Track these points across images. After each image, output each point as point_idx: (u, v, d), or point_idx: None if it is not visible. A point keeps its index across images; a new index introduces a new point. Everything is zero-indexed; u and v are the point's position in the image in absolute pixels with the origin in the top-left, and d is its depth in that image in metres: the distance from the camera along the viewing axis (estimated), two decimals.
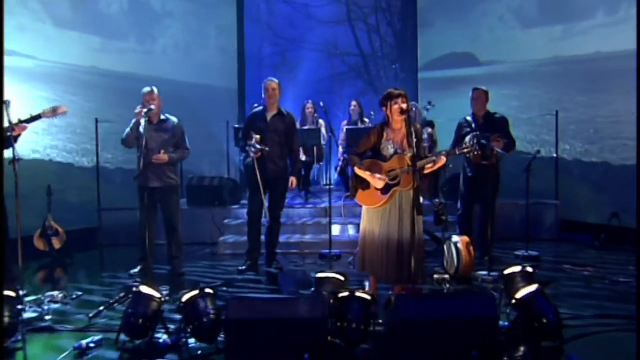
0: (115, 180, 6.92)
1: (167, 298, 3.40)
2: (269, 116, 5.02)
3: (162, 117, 4.90)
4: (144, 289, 3.28)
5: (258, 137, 4.85)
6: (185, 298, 3.21)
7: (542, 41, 6.97)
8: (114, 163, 6.96)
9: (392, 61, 10.02)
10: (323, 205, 6.59)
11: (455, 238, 4.61)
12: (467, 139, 4.74)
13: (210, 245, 6.21)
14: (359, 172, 3.82)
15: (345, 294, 3.14)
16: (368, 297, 3.14)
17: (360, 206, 3.95)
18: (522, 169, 5.34)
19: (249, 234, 5.13)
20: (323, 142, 7.13)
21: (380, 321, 3.20)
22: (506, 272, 3.66)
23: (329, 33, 10.16)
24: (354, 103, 7.31)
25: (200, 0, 8.49)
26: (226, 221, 6.34)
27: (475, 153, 3.84)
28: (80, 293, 4.39)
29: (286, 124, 5.06)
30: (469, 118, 5.18)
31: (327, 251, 5.58)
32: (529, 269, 3.62)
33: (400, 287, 3.86)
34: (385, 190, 3.75)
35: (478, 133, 4.78)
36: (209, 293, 3.24)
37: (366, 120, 7.33)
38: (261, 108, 5.14)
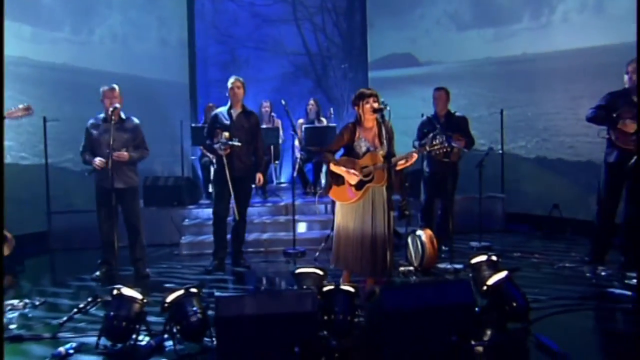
0: (67, 181, 6.60)
1: (147, 300, 3.34)
2: (234, 114, 5.03)
3: (123, 116, 4.78)
4: (126, 291, 3.22)
5: (227, 133, 4.85)
6: (170, 298, 3.18)
7: (476, 43, 7.43)
8: (61, 162, 6.64)
9: (340, 60, 10.18)
10: (283, 203, 6.65)
11: (419, 232, 4.83)
12: (430, 136, 4.97)
13: (169, 246, 6.11)
14: (334, 168, 3.93)
15: (331, 287, 3.23)
16: (352, 290, 3.25)
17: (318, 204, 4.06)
18: (474, 165, 5.67)
19: (216, 233, 5.11)
20: (280, 141, 7.18)
21: (361, 313, 3.33)
22: (473, 261, 3.91)
23: (275, 32, 10.18)
24: (311, 102, 7.41)
25: None
26: (185, 221, 6.25)
27: (445, 151, 4.05)
28: (42, 299, 4.22)
29: (251, 122, 5.09)
30: (430, 117, 5.43)
31: (292, 248, 5.66)
32: (494, 258, 3.88)
33: (372, 279, 4.01)
34: (359, 186, 3.88)
35: (446, 132, 5.02)
36: (194, 292, 3.23)
37: (323, 119, 7.45)
38: (225, 106, 5.12)
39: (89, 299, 3.95)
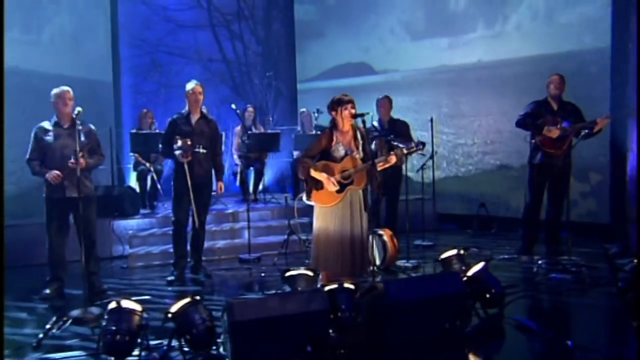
0: None
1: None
2: (193, 120, 4.93)
3: (77, 120, 4.47)
4: (125, 303, 3.06)
5: (188, 140, 4.74)
6: (174, 308, 3.08)
7: (430, 51, 7.72)
8: None
9: (260, 68, 10.20)
10: (229, 211, 6.57)
11: (379, 231, 5.08)
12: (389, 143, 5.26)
13: (111, 260, 5.76)
14: (314, 174, 4.04)
15: (334, 285, 3.34)
16: (353, 287, 3.39)
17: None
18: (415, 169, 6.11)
19: (176, 241, 4.95)
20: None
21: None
22: (443, 256, 4.24)
23: (190, 37, 9.94)
24: (249, 109, 7.41)
25: None
26: (130, 232, 5.93)
27: (421, 153, 4.35)
28: None
29: (211, 128, 5.02)
30: (375, 123, 5.74)
31: (246, 255, 5.64)
32: (462, 252, 4.24)
33: (346, 278, 4.17)
34: (339, 189, 4.04)
35: (388, 137, 5.35)
36: (198, 300, 3.16)
37: (260, 126, 7.49)
38: (182, 112, 5.00)
39: (54, 319, 3.68)
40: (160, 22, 9.64)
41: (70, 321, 3.68)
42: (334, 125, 4.16)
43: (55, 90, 4.37)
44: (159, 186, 6.65)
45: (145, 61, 9.30)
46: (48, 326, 3.56)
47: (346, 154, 4.09)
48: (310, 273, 3.78)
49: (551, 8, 6.70)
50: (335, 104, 4.10)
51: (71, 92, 4.39)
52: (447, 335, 3.32)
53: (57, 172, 4.23)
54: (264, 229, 6.38)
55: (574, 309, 4.12)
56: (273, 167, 8.46)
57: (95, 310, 3.89)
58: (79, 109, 4.12)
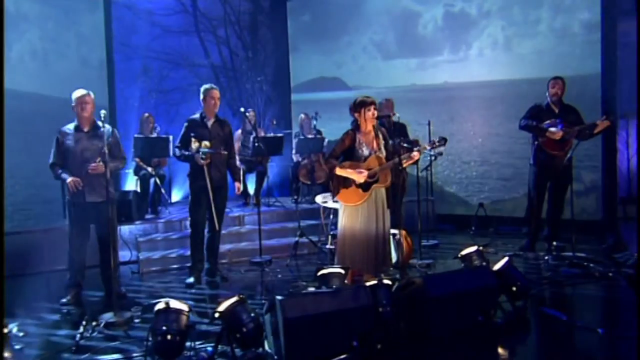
0: None
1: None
2: (209, 123, 4.95)
3: (99, 123, 4.44)
4: (173, 303, 3.07)
5: (208, 142, 4.76)
6: (222, 307, 3.10)
7: (401, 71, 8.13)
8: None
9: (254, 74, 10.22)
10: (235, 214, 6.57)
11: (393, 230, 5.18)
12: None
13: (123, 265, 5.68)
14: (340, 171, 4.14)
15: (374, 282, 3.42)
16: (390, 283, 3.48)
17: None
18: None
19: (194, 245, 4.94)
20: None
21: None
22: (463, 253, 4.36)
23: (175, 43, 9.86)
24: (251, 112, 7.42)
25: (58, 2, 7.47)
26: (140, 238, 5.86)
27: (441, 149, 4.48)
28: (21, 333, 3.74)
29: (225, 131, 5.04)
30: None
31: (258, 257, 5.66)
32: (481, 248, 4.39)
33: (369, 275, 4.26)
34: (365, 187, 4.14)
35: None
36: (244, 299, 3.19)
37: (260, 129, 7.51)
38: (197, 115, 5.01)
39: (84, 323, 3.65)
40: (146, 27, 9.55)
41: (102, 324, 3.66)
42: (356, 126, 4.26)
43: (74, 94, 4.33)
44: (163, 191, 6.59)
45: (131, 66, 9.18)
46: (81, 330, 3.54)
47: (370, 154, 4.20)
48: (341, 271, 3.85)
49: (508, 38, 7.33)
50: (359, 106, 4.21)
51: (91, 96, 4.36)
52: (481, 327, 3.45)
53: (76, 179, 4.19)
54: (269, 232, 6.39)
55: (592, 299, 4.30)
56: (273, 171, 8.48)
57: (125, 313, 3.88)
58: (103, 112, 4.09)
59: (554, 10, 7.00)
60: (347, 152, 4.25)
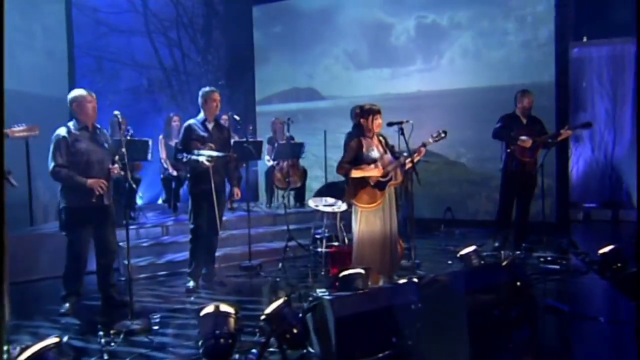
0: None
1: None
2: (210, 126, 4.89)
3: (98, 125, 4.28)
4: (222, 307, 3.04)
5: (212, 145, 4.71)
6: (270, 309, 3.12)
7: (373, 81, 8.39)
8: None
9: (209, 78, 10.05)
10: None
11: None
12: None
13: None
14: (356, 172, 4.29)
15: (404, 280, 3.58)
16: (417, 281, 3.66)
17: None
18: None
19: (195, 249, 4.84)
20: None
21: None
22: (462, 252, 4.65)
23: (124, 43, 9.55)
24: (224, 117, 7.31)
25: None
26: (121, 244, 5.59)
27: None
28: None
29: (224, 135, 5.01)
30: None
31: (247, 262, 5.63)
32: (479, 249, 4.69)
33: (377, 275, 4.42)
34: (381, 187, 4.32)
35: None
36: (290, 300, 3.22)
37: (234, 135, 7.43)
38: (195, 119, 4.92)
39: (102, 333, 3.50)
40: (90, 25, 9.09)
41: (123, 333, 3.53)
42: (362, 132, 4.43)
43: (77, 93, 4.13)
44: (140, 195, 6.36)
45: (85, 62, 8.72)
46: (102, 339, 3.40)
47: (380, 156, 4.39)
48: (362, 271, 3.97)
49: (478, 48, 7.85)
50: (366, 113, 4.40)
51: (93, 96, 4.18)
52: (499, 320, 3.71)
53: (100, 180, 4.01)
54: (249, 237, 6.33)
55: (582, 291, 4.73)
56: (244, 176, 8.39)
57: (141, 320, 3.76)
58: (116, 112, 3.95)
59: (520, 23, 7.56)
60: (356, 157, 4.40)
